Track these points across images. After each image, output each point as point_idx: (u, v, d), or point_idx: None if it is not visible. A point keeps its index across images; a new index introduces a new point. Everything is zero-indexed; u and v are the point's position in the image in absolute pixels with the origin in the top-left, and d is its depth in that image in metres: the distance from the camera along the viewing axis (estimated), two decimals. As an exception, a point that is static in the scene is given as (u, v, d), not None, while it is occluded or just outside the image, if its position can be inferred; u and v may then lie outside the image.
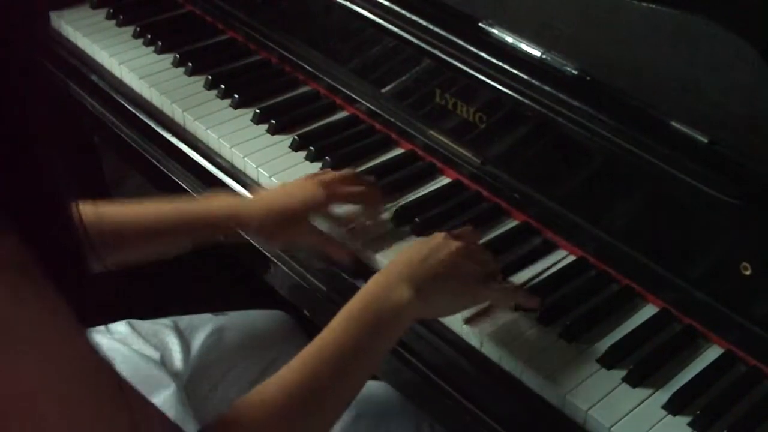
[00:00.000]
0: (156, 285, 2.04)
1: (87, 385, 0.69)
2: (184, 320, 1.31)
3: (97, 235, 0.93)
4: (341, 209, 1.20)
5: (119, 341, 1.24)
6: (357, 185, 1.21)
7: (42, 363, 0.65)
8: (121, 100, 1.49)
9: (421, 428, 1.21)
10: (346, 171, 1.25)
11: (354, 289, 1.13)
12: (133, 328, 1.27)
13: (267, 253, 1.23)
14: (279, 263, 1.22)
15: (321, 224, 1.18)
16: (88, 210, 0.87)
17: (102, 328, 1.26)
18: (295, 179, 1.22)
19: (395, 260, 1.01)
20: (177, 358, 1.24)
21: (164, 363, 1.23)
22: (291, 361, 0.90)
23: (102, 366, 0.71)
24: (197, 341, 1.28)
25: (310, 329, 1.38)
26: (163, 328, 1.28)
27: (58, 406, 0.66)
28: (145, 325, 1.29)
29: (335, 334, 0.92)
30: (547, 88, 1.12)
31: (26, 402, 0.64)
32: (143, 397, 0.78)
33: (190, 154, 1.37)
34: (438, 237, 1.04)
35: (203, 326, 1.31)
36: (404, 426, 1.21)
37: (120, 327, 1.27)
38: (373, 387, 1.22)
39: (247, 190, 1.29)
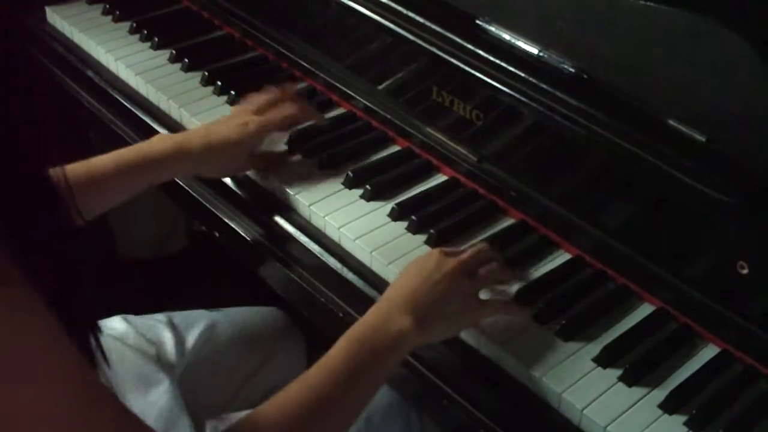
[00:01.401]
0: (151, 280, 2.05)
1: (88, 414, 0.69)
2: (179, 315, 1.32)
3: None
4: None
5: (114, 337, 1.24)
6: (285, 103, 1.28)
7: (40, 395, 0.66)
8: (117, 96, 1.49)
9: (411, 421, 1.21)
10: (272, 92, 1.31)
11: (349, 286, 1.14)
12: (128, 323, 1.27)
13: (264, 251, 1.23)
14: (276, 262, 1.21)
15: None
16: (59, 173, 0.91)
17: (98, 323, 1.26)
18: (231, 110, 1.30)
19: (393, 287, 1.02)
20: (171, 352, 1.25)
21: (159, 358, 1.23)
22: (290, 385, 0.91)
23: (103, 393, 0.72)
24: (192, 336, 1.28)
25: (304, 326, 1.38)
26: (157, 324, 1.28)
27: None
28: (140, 320, 1.29)
29: (335, 363, 0.93)
30: (544, 86, 1.12)
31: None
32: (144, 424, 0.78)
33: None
34: (433, 255, 1.04)
35: (198, 322, 1.31)
36: (395, 419, 1.21)
37: (115, 322, 1.27)
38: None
39: (243, 188, 1.29)
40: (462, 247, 1.12)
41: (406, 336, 0.96)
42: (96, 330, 0.78)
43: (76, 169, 1.13)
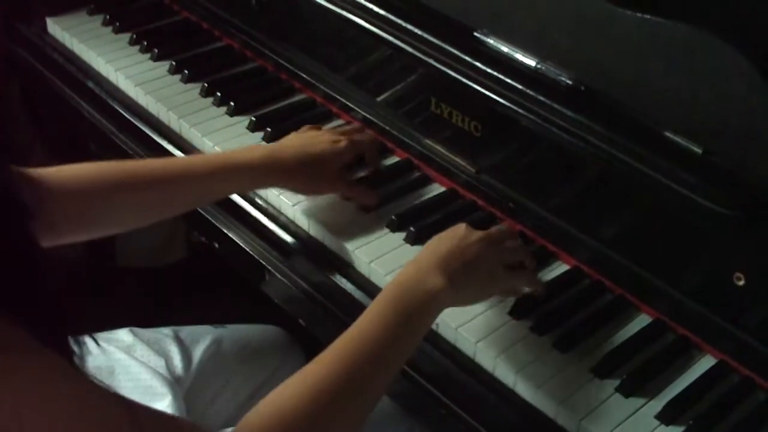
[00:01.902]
0: (149, 290, 2.05)
1: (96, 420, 0.68)
2: (185, 330, 1.32)
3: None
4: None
5: (121, 349, 1.24)
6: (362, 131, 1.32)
7: (44, 408, 0.64)
8: (117, 107, 1.49)
9: (411, 429, 1.21)
10: (354, 124, 1.35)
11: (351, 300, 1.14)
12: (135, 335, 1.27)
13: (263, 262, 1.23)
14: (274, 272, 1.22)
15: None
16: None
17: (105, 334, 1.27)
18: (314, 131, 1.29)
19: (424, 251, 1.02)
20: (179, 367, 1.25)
21: (167, 371, 1.23)
22: (327, 349, 0.90)
23: (107, 396, 0.71)
24: (198, 351, 1.29)
25: (305, 344, 1.39)
26: (164, 337, 1.29)
27: None
28: (147, 333, 1.29)
29: (370, 322, 0.92)
30: (542, 97, 1.12)
31: None
32: (156, 412, 0.78)
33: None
34: (461, 227, 1.06)
35: (203, 337, 1.31)
36: (396, 430, 1.21)
37: (122, 334, 1.27)
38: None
39: (245, 199, 1.29)
40: None
41: (438, 295, 0.96)
42: (75, 338, 0.74)
43: (156, 164, 1.13)
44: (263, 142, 1.36)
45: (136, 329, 1.29)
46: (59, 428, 0.65)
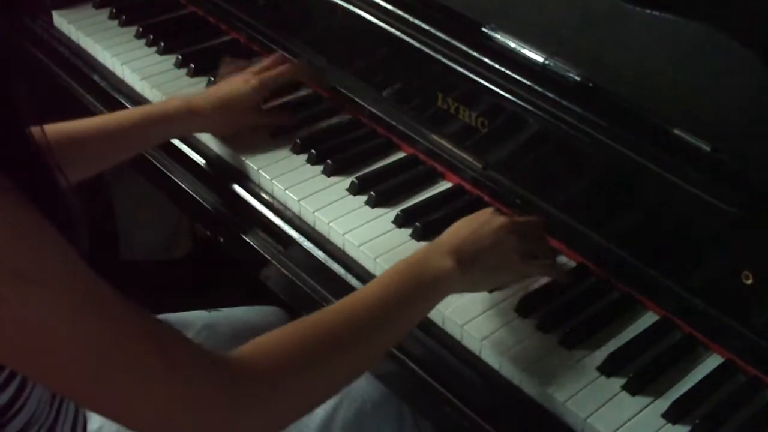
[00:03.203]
0: (153, 284, 2.05)
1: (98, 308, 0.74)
2: (175, 316, 1.31)
3: (67, 148, 1.08)
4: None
5: None
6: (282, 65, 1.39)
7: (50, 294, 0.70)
8: (122, 101, 1.49)
9: (401, 416, 1.21)
10: (273, 56, 1.42)
11: (351, 291, 1.14)
12: None
13: (268, 257, 1.23)
14: (274, 262, 1.21)
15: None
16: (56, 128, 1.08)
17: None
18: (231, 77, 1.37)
19: (444, 234, 1.05)
20: None
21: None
22: (321, 309, 0.93)
23: (107, 289, 0.76)
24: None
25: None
26: None
27: (72, 331, 0.72)
28: None
29: (376, 289, 0.96)
30: (549, 94, 1.12)
31: (43, 333, 0.71)
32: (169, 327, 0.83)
33: (190, 155, 1.37)
34: (487, 211, 1.08)
35: (194, 323, 1.30)
36: (386, 413, 1.20)
37: None
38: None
39: (249, 192, 1.29)
40: None
41: (447, 276, 0.99)
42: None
43: (91, 122, 1.22)
44: (268, 137, 1.36)
45: None
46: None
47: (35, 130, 0.78)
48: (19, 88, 0.75)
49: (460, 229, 1.04)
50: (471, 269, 1.01)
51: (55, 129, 1.13)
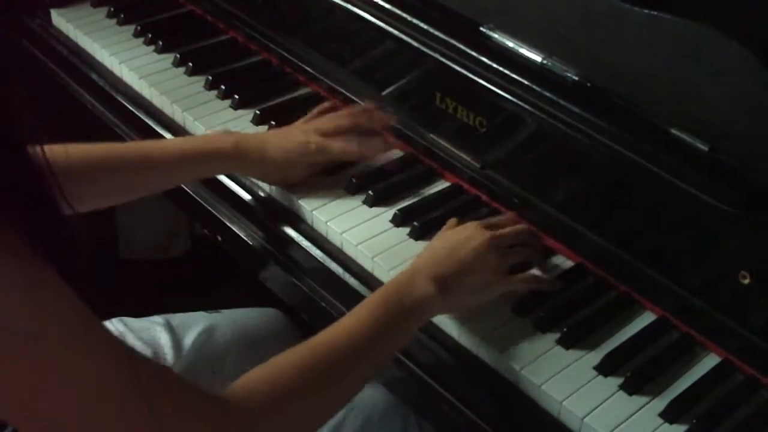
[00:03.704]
0: (152, 282, 2.05)
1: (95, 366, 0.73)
2: (177, 318, 1.31)
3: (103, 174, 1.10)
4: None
5: None
6: (352, 136, 1.26)
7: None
8: (120, 99, 1.49)
9: (408, 425, 1.21)
10: (346, 118, 1.28)
11: (351, 292, 1.14)
12: (125, 325, 1.27)
13: (266, 256, 1.23)
14: (274, 263, 1.21)
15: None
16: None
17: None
18: (297, 124, 1.29)
19: (422, 254, 1.05)
20: (168, 354, 1.25)
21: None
22: (307, 340, 0.93)
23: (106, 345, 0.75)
24: (189, 338, 1.28)
25: (304, 327, 1.38)
26: (154, 326, 1.28)
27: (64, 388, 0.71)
28: (137, 322, 1.29)
29: (355, 320, 0.96)
30: (547, 93, 1.12)
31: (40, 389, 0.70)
32: (157, 366, 0.82)
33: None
34: (467, 228, 1.08)
35: (196, 323, 1.31)
36: (393, 422, 1.21)
37: (112, 325, 1.27)
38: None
39: (246, 191, 1.29)
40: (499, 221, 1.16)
41: (429, 301, 0.99)
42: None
43: (126, 150, 1.19)
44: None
45: (127, 319, 1.29)
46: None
47: (37, 149, 0.74)
48: (20, 99, 0.73)
49: (437, 252, 1.04)
50: (452, 292, 1.01)
51: (95, 150, 1.13)
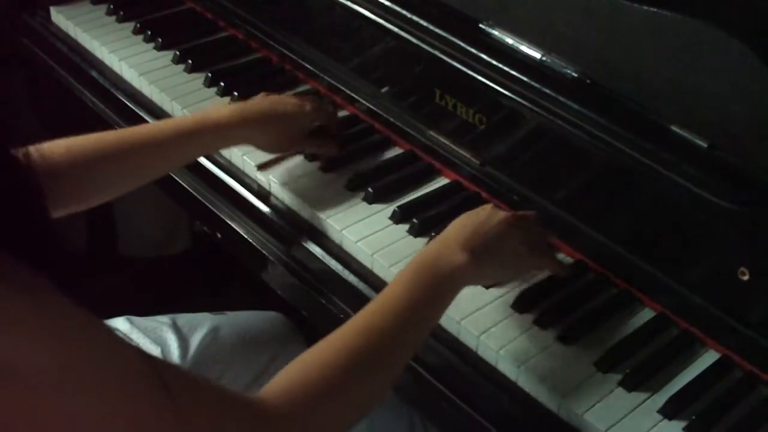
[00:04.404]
0: (151, 280, 2.06)
1: (109, 368, 0.68)
2: (183, 318, 1.32)
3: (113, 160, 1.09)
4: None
5: None
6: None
7: (57, 352, 0.64)
8: (120, 97, 1.49)
9: (414, 425, 1.21)
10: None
11: (351, 289, 1.14)
12: (132, 324, 1.27)
13: (266, 253, 1.23)
14: (278, 263, 1.21)
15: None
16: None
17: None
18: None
19: (449, 228, 1.04)
20: (176, 354, 1.25)
21: (164, 360, 1.23)
22: (351, 320, 0.91)
23: (118, 345, 0.71)
24: (195, 339, 1.28)
25: (307, 332, 1.39)
26: (161, 325, 1.28)
27: (85, 395, 0.65)
28: (144, 321, 1.29)
29: (393, 296, 0.94)
30: (547, 90, 1.12)
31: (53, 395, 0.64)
32: (167, 363, 0.79)
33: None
34: (486, 207, 1.08)
35: (201, 325, 1.31)
36: (398, 422, 1.21)
37: (119, 323, 1.27)
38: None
39: (246, 189, 1.29)
40: None
41: (460, 271, 0.98)
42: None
43: (134, 132, 1.17)
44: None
45: (133, 318, 1.29)
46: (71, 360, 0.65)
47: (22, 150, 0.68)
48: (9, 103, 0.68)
49: (464, 224, 1.04)
50: (483, 261, 1.01)
51: (81, 142, 1.12)
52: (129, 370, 0.69)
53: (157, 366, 0.73)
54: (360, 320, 0.91)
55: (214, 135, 1.21)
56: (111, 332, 0.70)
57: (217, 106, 1.29)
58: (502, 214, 1.06)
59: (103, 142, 1.13)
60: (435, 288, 0.96)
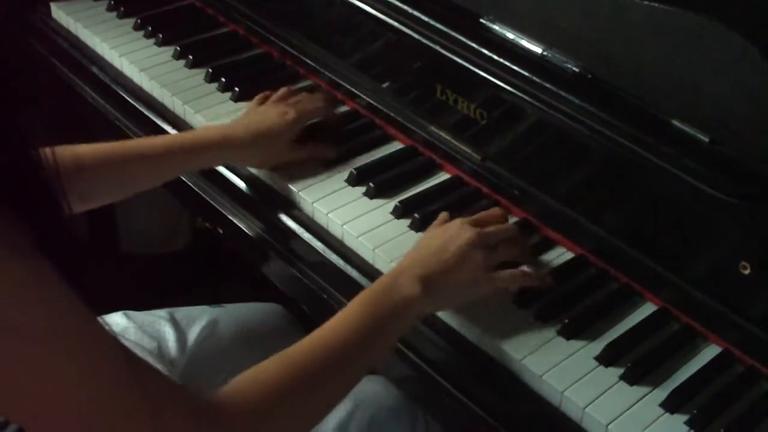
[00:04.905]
0: (153, 276, 2.06)
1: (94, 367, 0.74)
2: (181, 311, 1.32)
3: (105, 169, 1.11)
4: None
5: (115, 332, 1.23)
6: (309, 96, 1.35)
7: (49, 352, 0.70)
8: (121, 92, 1.49)
9: (416, 422, 1.21)
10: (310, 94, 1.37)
11: (352, 283, 1.14)
12: (129, 318, 1.28)
13: (266, 248, 1.23)
14: (275, 255, 1.21)
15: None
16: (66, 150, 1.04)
17: (99, 319, 1.26)
18: (263, 106, 1.33)
19: (408, 254, 1.05)
20: (173, 348, 1.25)
21: (160, 354, 1.23)
22: (295, 344, 0.93)
23: (106, 343, 0.76)
24: (193, 333, 1.28)
25: (306, 323, 1.39)
26: (159, 319, 1.29)
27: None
28: (141, 316, 1.29)
29: (342, 322, 0.96)
30: (548, 85, 1.12)
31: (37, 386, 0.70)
32: (151, 368, 0.83)
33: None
34: (454, 225, 1.07)
35: (200, 318, 1.31)
36: (400, 419, 1.21)
37: (116, 318, 1.27)
38: (370, 380, 1.22)
39: (246, 183, 1.29)
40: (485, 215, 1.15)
41: (414, 302, 0.99)
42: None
43: (127, 145, 1.20)
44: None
45: (131, 312, 1.29)
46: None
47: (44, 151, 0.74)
48: (25, 104, 0.72)
49: (422, 252, 1.04)
50: (437, 291, 1.01)
51: (87, 150, 1.15)
52: (102, 345, 0.76)
53: (134, 362, 0.80)
54: (317, 337, 0.94)
55: (198, 158, 1.24)
56: (92, 314, 0.76)
57: (206, 127, 1.33)
58: (466, 235, 1.04)
59: (103, 151, 1.16)
60: (384, 320, 0.97)
